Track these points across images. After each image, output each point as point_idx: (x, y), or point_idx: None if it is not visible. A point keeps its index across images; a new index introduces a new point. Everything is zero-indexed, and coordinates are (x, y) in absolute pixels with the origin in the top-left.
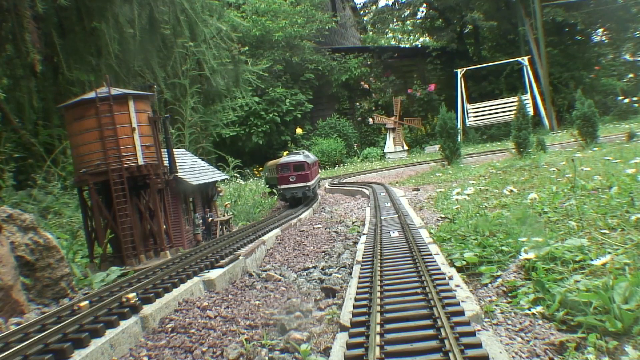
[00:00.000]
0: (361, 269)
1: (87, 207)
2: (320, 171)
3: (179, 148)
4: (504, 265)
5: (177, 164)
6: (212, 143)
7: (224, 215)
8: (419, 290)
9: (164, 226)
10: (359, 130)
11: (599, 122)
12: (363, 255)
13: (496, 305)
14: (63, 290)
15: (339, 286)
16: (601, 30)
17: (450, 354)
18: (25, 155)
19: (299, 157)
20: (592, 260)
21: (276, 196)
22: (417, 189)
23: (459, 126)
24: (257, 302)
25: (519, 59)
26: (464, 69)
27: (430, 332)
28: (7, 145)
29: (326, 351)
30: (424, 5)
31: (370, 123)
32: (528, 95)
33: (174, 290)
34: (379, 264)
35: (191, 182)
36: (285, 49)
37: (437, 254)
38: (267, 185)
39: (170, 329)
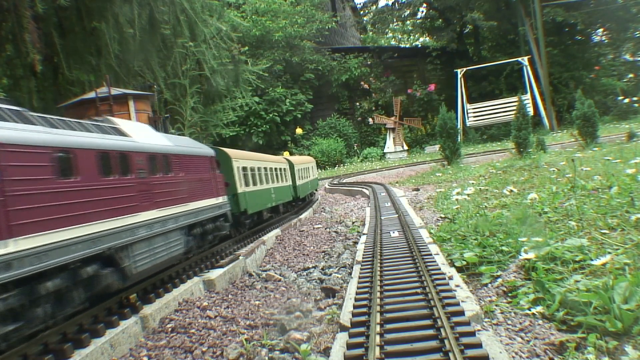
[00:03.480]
0: (361, 269)
1: None
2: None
3: None
4: (504, 265)
5: None
6: (212, 143)
7: None
8: (419, 290)
9: None
10: (359, 130)
11: (599, 122)
12: (363, 255)
13: (496, 305)
14: None
15: (338, 286)
16: (601, 30)
17: (450, 354)
18: None
19: None
20: (592, 260)
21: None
22: (417, 189)
23: (459, 126)
24: (257, 302)
25: (519, 59)
26: (464, 69)
27: (430, 332)
28: None
29: (326, 351)
30: (424, 5)
31: (370, 123)
32: (528, 95)
33: (174, 290)
34: (379, 264)
35: None
36: (285, 49)
37: (437, 254)
38: None
39: (170, 329)
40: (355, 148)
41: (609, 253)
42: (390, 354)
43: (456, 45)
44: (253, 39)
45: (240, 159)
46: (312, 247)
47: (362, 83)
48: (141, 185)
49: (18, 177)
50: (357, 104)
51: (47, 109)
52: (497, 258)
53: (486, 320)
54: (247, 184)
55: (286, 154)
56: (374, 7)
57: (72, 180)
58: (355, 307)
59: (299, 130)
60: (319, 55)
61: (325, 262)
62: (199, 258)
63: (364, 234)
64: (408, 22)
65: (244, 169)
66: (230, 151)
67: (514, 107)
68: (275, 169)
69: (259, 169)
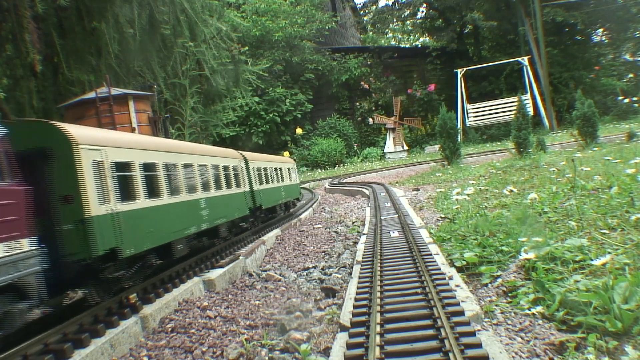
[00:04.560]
0: (361, 269)
1: None
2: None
3: None
4: (504, 265)
5: None
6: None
7: None
8: (419, 290)
9: None
10: (359, 130)
11: (599, 122)
12: (363, 255)
13: (496, 305)
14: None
15: (338, 286)
16: (601, 30)
17: (450, 354)
18: None
19: None
20: (592, 260)
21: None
22: (417, 189)
23: (459, 126)
24: (257, 302)
25: (519, 59)
26: (464, 69)
27: (430, 332)
28: None
29: (326, 351)
30: (424, 5)
31: (370, 123)
32: (528, 95)
33: (174, 290)
34: (379, 264)
35: None
36: (285, 49)
37: (437, 254)
38: None
39: (170, 329)
40: (355, 148)
41: (609, 253)
42: (390, 354)
43: (456, 45)
44: (253, 39)
45: (107, 146)
46: (312, 247)
47: (362, 83)
48: None
49: None
50: (357, 104)
51: (47, 109)
52: (497, 258)
53: (486, 320)
54: (128, 196)
55: (286, 154)
56: (374, 7)
57: None
58: (355, 307)
59: (299, 130)
60: (319, 55)
61: (325, 262)
62: (198, 257)
63: (364, 234)
64: (408, 22)
65: (121, 166)
66: (71, 128)
67: (514, 107)
68: (214, 166)
69: (168, 166)
